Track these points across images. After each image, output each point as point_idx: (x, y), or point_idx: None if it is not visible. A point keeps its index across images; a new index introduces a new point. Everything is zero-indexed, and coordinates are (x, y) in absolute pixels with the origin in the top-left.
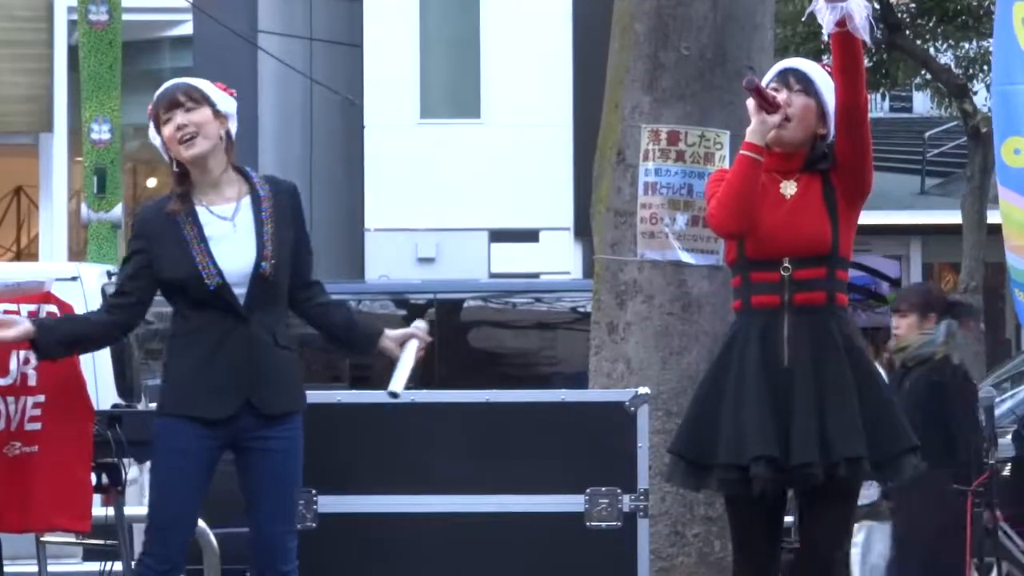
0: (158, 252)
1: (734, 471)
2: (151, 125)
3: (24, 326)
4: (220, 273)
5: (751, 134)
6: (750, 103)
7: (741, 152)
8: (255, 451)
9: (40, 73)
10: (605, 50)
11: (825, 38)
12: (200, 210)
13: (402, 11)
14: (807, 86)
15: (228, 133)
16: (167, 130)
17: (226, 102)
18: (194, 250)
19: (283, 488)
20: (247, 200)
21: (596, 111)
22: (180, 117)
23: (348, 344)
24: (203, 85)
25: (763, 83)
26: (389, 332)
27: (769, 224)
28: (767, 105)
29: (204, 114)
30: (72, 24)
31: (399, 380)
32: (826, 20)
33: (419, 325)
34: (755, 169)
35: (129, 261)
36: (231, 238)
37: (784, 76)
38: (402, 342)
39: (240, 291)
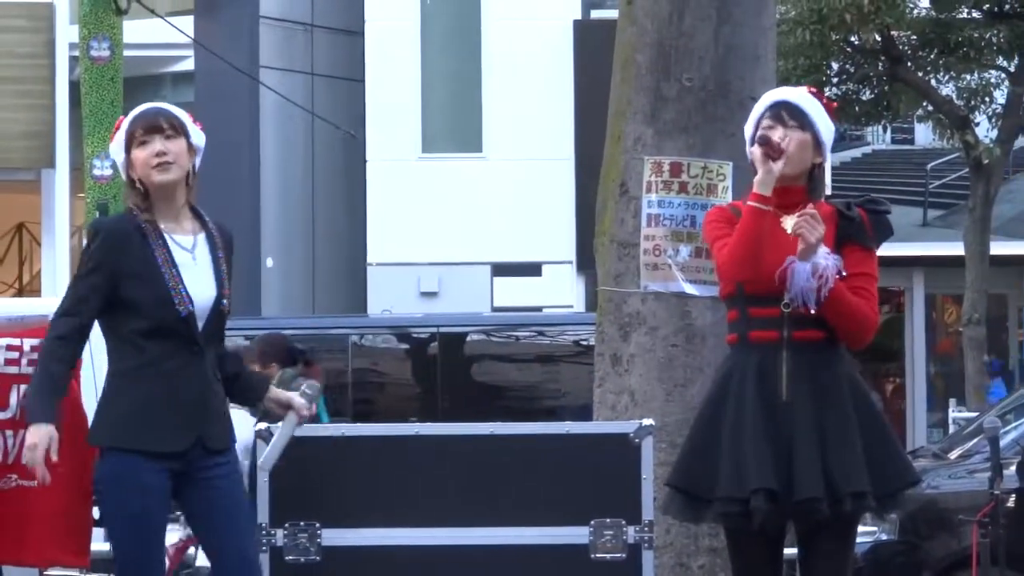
0: (125, 270)
1: (734, 504)
2: (120, 141)
3: (44, 438)
4: (192, 301)
5: (759, 185)
6: (755, 152)
7: (749, 203)
8: (201, 482)
9: (42, 109)
10: (607, 83)
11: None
12: (166, 237)
13: (403, 46)
14: (801, 120)
15: (194, 167)
16: (141, 152)
17: (199, 136)
18: (166, 274)
19: (239, 511)
20: (203, 236)
21: (598, 144)
22: (160, 144)
23: (233, 394)
24: (182, 115)
25: (755, 116)
26: (273, 391)
27: (770, 261)
28: (773, 152)
29: (181, 145)
30: (74, 60)
31: (271, 454)
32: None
33: (306, 391)
34: (764, 220)
35: (85, 279)
36: (193, 269)
37: (777, 112)
38: (284, 406)
39: (199, 324)
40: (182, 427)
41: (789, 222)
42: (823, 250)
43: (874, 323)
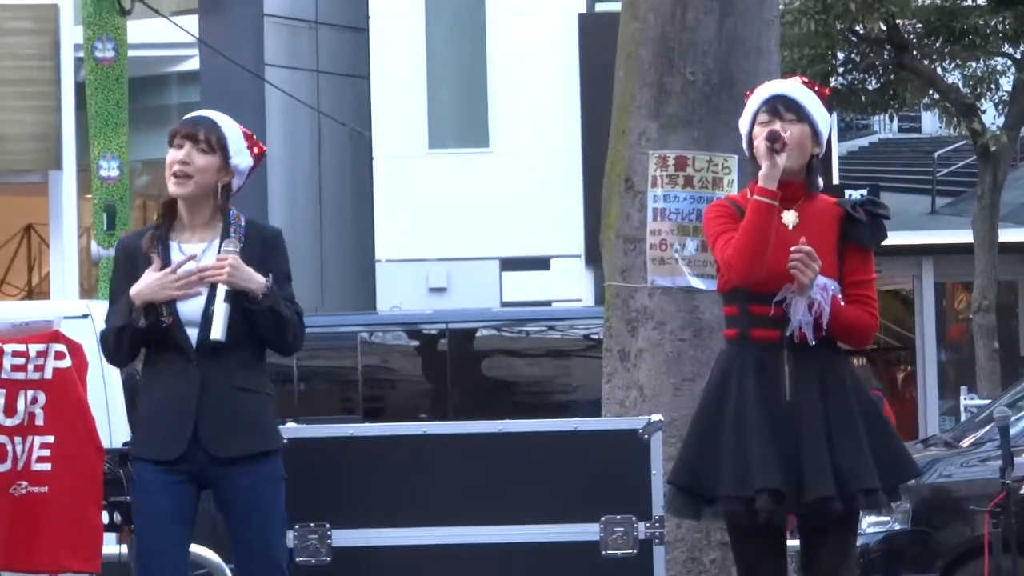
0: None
1: (738, 503)
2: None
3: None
4: (174, 312)
5: (765, 180)
6: (760, 147)
7: (756, 198)
8: (222, 490)
9: (48, 111)
10: (612, 77)
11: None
12: (172, 246)
13: (408, 42)
14: (799, 112)
15: (227, 186)
16: (171, 154)
17: (243, 158)
18: None
19: (252, 527)
20: (216, 243)
21: (604, 138)
22: (185, 152)
23: (262, 328)
24: (231, 134)
25: (750, 110)
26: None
27: (772, 258)
28: (779, 146)
29: (209, 162)
30: (79, 61)
31: (217, 326)
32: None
33: (227, 249)
34: (771, 214)
35: (118, 297)
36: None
37: (773, 106)
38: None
39: (193, 332)
40: (171, 436)
41: (790, 216)
42: (819, 281)
43: (874, 329)
